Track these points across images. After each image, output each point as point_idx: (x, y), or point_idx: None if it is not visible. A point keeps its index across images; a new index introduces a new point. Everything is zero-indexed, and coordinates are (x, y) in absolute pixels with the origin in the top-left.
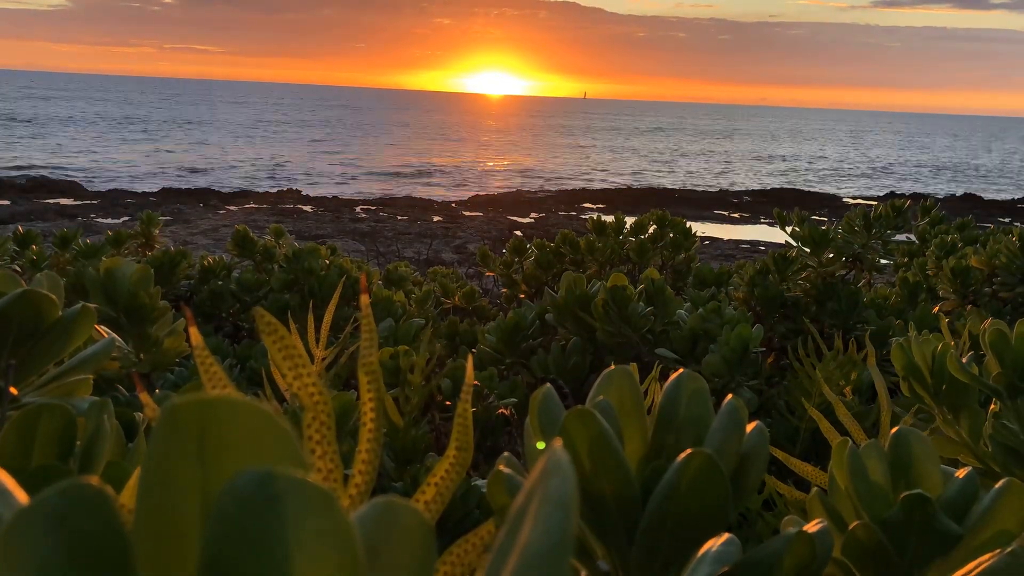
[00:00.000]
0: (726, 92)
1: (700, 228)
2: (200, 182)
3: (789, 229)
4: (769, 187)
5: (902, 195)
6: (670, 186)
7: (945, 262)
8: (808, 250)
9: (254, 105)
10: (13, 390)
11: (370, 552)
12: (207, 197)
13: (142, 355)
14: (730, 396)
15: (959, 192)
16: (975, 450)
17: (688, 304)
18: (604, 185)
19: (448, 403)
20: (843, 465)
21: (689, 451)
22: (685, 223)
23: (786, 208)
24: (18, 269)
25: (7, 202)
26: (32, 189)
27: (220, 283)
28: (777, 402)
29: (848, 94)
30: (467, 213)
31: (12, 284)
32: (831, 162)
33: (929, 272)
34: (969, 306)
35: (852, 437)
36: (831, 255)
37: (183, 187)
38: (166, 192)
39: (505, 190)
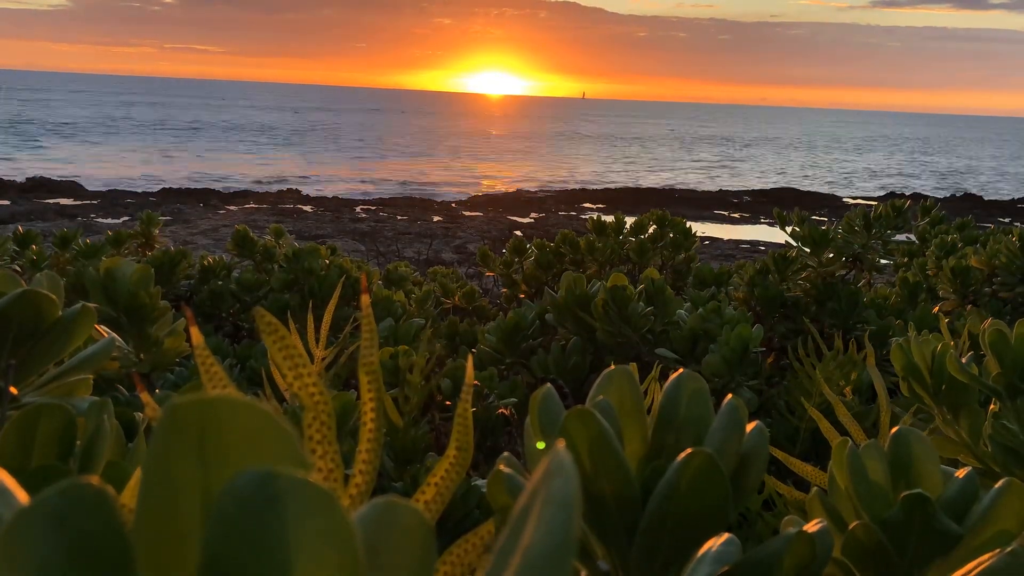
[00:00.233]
0: (726, 92)
1: (700, 228)
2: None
3: (789, 229)
4: (769, 187)
5: (902, 195)
6: (670, 186)
7: (945, 262)
8: (808, 250)
9: (265, 106)
10: (13, 390)
11: (370, 552)
12: (207, 197)
13: (142, 355)
14: (730, 396)
15: (959, 192)
16: (975, 450)
17: (688, 304)
18: (604, 185)
19: (448, 403)
20: (843, 465)
21: (689, 451)
22: (685, 223)
23: (786, 208)
24: (18, 269)
25: (7, 202)
26: (32, 189)
27: (220, 283)
28: (777, 402)
29: (848, 94)
30: (467, 213)
31: (12, 284)
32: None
33: (929, 272)
34: (969, 306)
35: (852, 437)
36: (831, 255)
37: (183, 187)
38: (166, 192)
39: (505, 190)
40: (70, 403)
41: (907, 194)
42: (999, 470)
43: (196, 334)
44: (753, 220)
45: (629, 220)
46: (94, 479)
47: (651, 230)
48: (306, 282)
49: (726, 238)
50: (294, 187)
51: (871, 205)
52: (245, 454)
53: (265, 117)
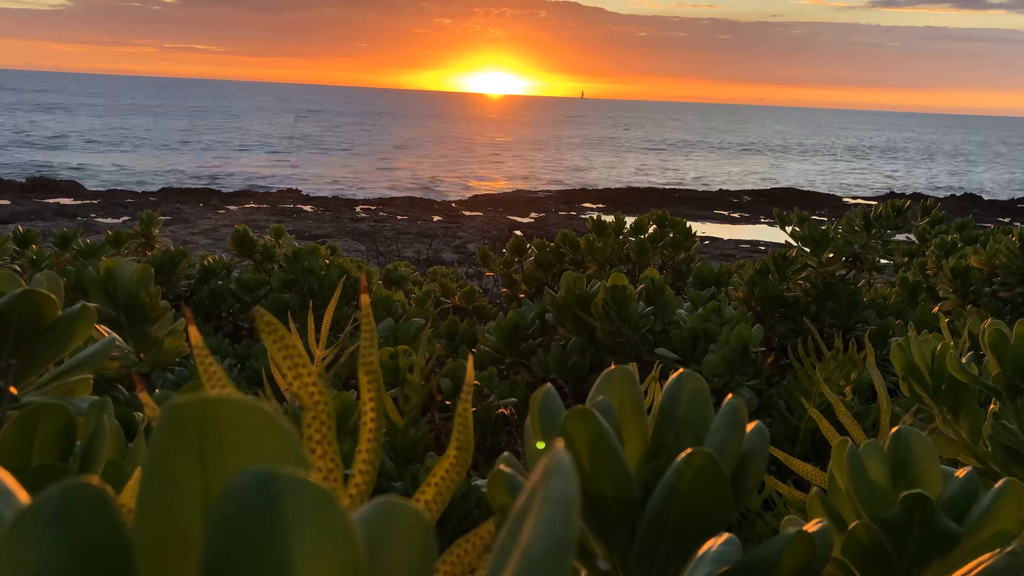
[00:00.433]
0: (726, 92)
1: (700, 228)
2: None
3: (789, 229)
4: (769, 187)
5: (902, 195)
6: (670, 186)
7: (945, 262)
8: (808, 250)
9: (266, 108)
10: (13, 390)
11: (370, 552)
12: (207, 197)
13: (142, 355)
14: (730, 396)
15: (959, 192)
16: (975, 450)
17: (688, 304)
18: (604, 185)
19: (448, 403)
20: (843, 465)
21: (689, 451)
22: (685, 223)
23: (786, 208)
24: (18, 269)
25: (7, 202)
26: (32, 189)
27: (220, 283)
28: (777, 402)
29: (848, 94)
30: (467, 213)
31: (12, 284)
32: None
33: (929, 272)
34: (969, 306)
35: (852, 437)
36: (831, 255)
37: (183, 187)
38: (166, 192)
39: (505, 190)
40: (70, 403)
41: (907, 194)
42: (999, 470)
43: (195, 334)
44: (753, 220)
45: (629, 220)
46: (94, 479)
47: (651, 230)
48: (306, 282)
49: (726, 238)
50: (294, 187)
51: (871, 205)
52: (245, 454)
53: (266, 120)
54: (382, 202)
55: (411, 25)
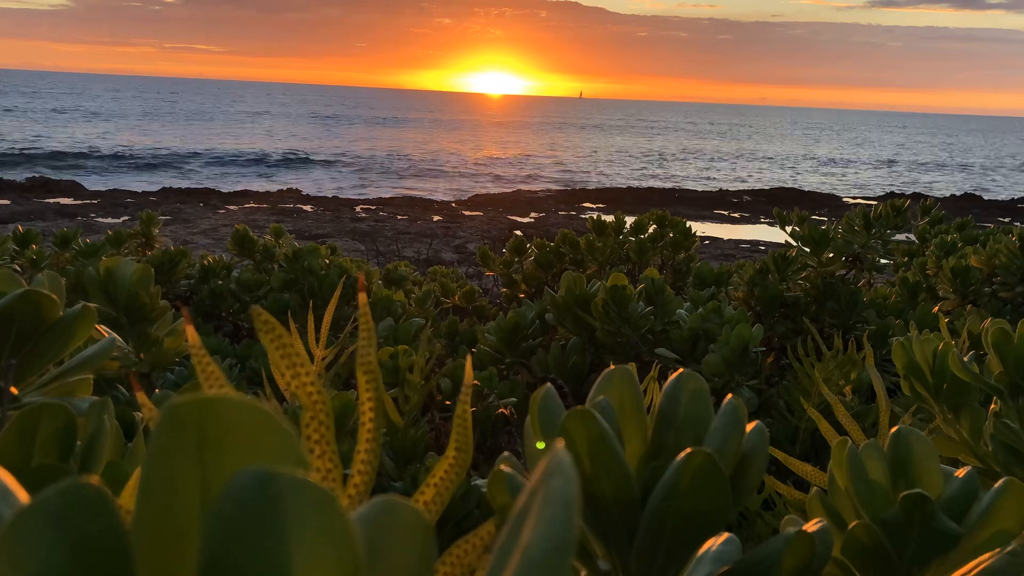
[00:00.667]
0: (726, 92)
1: (700, 228)
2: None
3: (789, 229)
4: (769, 187)
5: (902, 195)
6: (670, 186)
7: (945, 262)
8: (808, 250)
9: (263, 109)
10: (13, 390)
11: (370, 552)
12: (207, 196)
13: (142, 355)
14: (730, 396)
15: (959, 192)
16: (975, 449)
17: (688, 304)
18: (604, 185)
19: (448, 403)
20: (843, 465)
21: (689, 451)
22: (685, 223)
23: (786, 208)
24: (18, 268)
25: (7, 201)
26: (32, 188)
27: (220, 282)
28: (777, 402)
29: (848, 94)
30: (467, 213)
31: (13, 284)
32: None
33: (929, 272)
34: (969, 306)
35: (851, 437)
36: (831, 255)
37: (183, 187)
38: (166, 192)
39: (505, 190)
40: (70, 403)
41: (907, 193)
42: (1000, 469)
43: (192, 333)
44: (753, 220)
45: (629, 220)
46: (94, 479)
47: (651, 230)
48: (306, 282)
49: (726, 238)
50: (294, 187)
51: (871, 205)
52: (244, 454)
53: (266, 121)
54: (382, 202)
55: (411, 25)
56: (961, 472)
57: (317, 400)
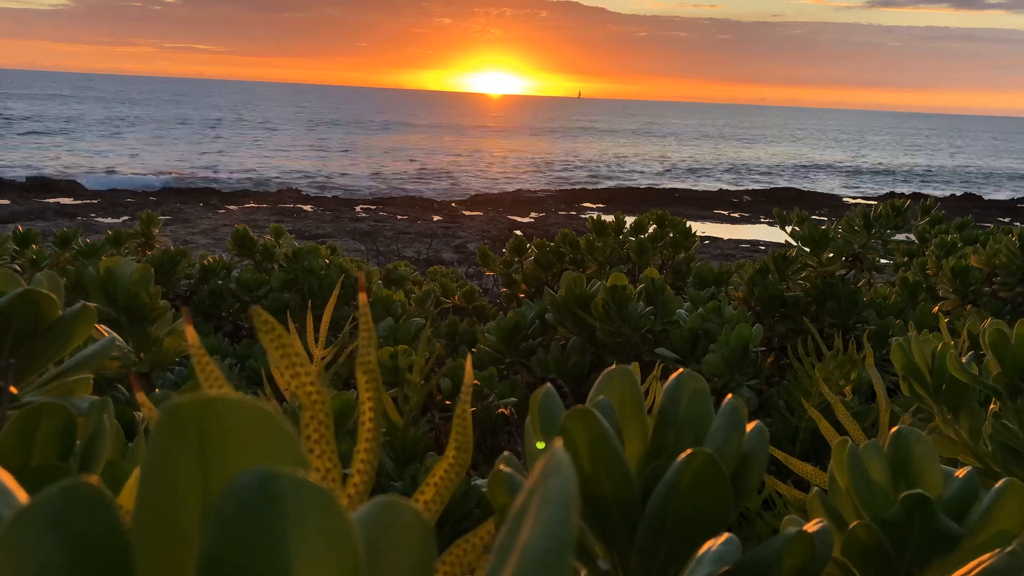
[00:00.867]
0: (726, 92)
1: (700, 228)
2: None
3: (789, 229)
4: (769, 187)
5: (902, 195)
6: (670, 186)
7: (945, 262)
8: (808, 250)
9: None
10: (13, 389)
11: (370, 552)
12: (207, 196)
13: (142, 354)
14: (730, 396)
15: (959, 192)
16: (975, 450)
17: (688, 303)
18: (604, 185)
19: (448, 403)
20: (843, 465)
21: (689, 451)
22: (685, 223)
23: (786, 208)
24: (18, 268)
25: (7, 201)
26: (32, 189)
27: (220, 282)
28: (777, 402)
29: (848, 94)
30: (467, 213)
31: (12, 283)
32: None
33: (929, 272)
34: (969, 306)
35: (852, 437)
36: (831, 255)
37: (183, 187)
38: (166, 191)
39: (505, 190)
40: (70, 403)
41: (907, 193)
42: (999, 470)
43: (192, 333)
44: (753, 220)
45: (629, 220)
46: (94, 479)
47: (651, 230)
48: (306, 281)
49: (726, 238)
50: (294, 187)
51: (871, 205)
52: (245, 454)
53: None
54: (382, 202)
55: (411, 25)
56: (961, 472)
57: (317, 400)
